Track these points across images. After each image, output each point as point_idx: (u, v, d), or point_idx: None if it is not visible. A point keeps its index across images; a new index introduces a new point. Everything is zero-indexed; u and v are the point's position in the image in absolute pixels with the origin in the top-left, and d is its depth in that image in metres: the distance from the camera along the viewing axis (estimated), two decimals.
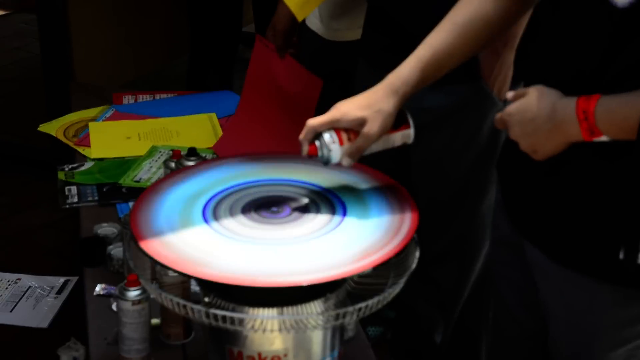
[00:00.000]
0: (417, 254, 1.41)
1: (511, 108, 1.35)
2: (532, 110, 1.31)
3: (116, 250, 1.88)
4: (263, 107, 2.42)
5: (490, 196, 1.90)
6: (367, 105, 1.44)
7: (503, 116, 1.37)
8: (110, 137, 2.45)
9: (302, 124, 2.30)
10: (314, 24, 2.32)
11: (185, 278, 1.38)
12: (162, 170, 2.08)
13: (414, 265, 1.39)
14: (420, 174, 1.91)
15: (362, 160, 2.08)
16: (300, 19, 2.04)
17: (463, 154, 1.87)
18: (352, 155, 1.44)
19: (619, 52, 1.23)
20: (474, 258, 2.03)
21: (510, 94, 1.38)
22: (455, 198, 1.91)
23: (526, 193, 1.44)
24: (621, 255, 1.23)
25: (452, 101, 1.81)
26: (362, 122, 1.43)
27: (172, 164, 1.81)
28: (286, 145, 2.27)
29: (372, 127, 1.42)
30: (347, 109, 1.44)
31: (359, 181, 1.52)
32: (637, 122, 1.19)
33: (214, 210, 1.42)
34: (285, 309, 1.32)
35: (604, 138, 1.25)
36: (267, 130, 2.38)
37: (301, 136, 1.45)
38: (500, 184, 1.56)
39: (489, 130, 1.83)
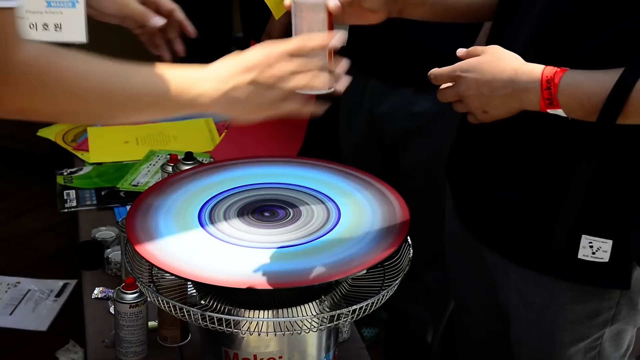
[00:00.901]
0: (410, 255, 1.43)
1: (466, 64, 1.32)
2: (490, 71, 1.29)
3: (114, 253, 1.89)
4: None
5: None
6: None
7: (454, 72, 1.33)
8: (108, 141, 2.47)
9: (295, 129, 2.34)
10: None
11: (182, 281, 1.40)
12: (159, 175, 2.10)
13: (407, 267, 1.41)
14: (409, 179, 1.93)
15: (355, 165, 2.11)
16: (277, 17, 2.07)
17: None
18: None
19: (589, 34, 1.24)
20: None
21: (462, 51, 1.35)
22: (443, 202, 1.94)
23: (477, 196, 1.46)
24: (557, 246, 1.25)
25: (440, 106, 1.83)
26: None
27: (169, 168, 1.83)
28: (281, 151, 2.29)
29: None
30: None
31: (352, 184, 1.53)
32: (599, 101, 1.18)
33: (209, 214, 1.44)
34: (280, 311, 1.34)
35: (559, 112, 1.23)
36: (262, 136, 2.40)
37: None
38: (451, 189, 1.57)
39: None
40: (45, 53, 1.03)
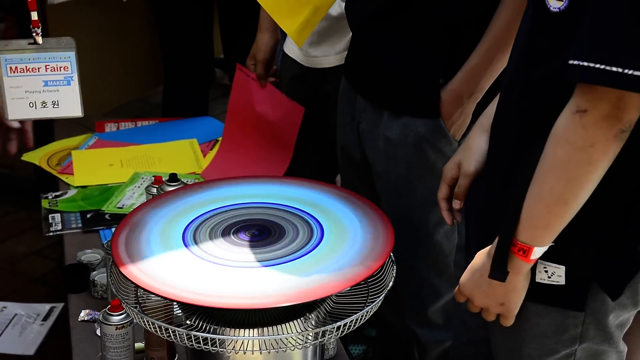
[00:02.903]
0: (394, 272, 1.45)
1: (463, 282, 1.40)
2: (477, 269, 1.36)
3: (100, 276, 1.90)
4: (246, 134, 2.46)
5: (447, 227, 1.93)
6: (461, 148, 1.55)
7: (464, 292, 1.41)
8: (93, 164, 2.48)
9: (284, 149, 2.36)
10: (292, 51, 2.37)
11: (167, 302, 1.41)
12: (144, 196, 2.11)
13: (391, 283, 1.42)
14: (384, 199, 1.95)
15: (348, 176, 2.12)
16: (299, 45, 2.11)
17: (419, 186, 1.91)
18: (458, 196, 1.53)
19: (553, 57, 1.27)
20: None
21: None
22: (415, 226, 1.96)
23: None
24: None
25: (408, 133, 1.85)
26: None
27: (154, 190, 1.84)
28: (270, 171, 2.31)
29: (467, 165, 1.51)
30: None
31: (336, 203, 1.55)
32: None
33: (193, 234, 1.45)
34: (265, 329, 1.35)
35: (539, 250, 1.27)
36: (251, 158, 2.42)
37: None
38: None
39: (444, 165, 1.87)
40: None
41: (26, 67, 1.38)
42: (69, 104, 1.43)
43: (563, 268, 1.31)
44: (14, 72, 1.38)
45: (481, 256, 1.35)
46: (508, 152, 1.35)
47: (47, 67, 1.38)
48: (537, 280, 1.32)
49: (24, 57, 1.35)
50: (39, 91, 1.41)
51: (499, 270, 1.29)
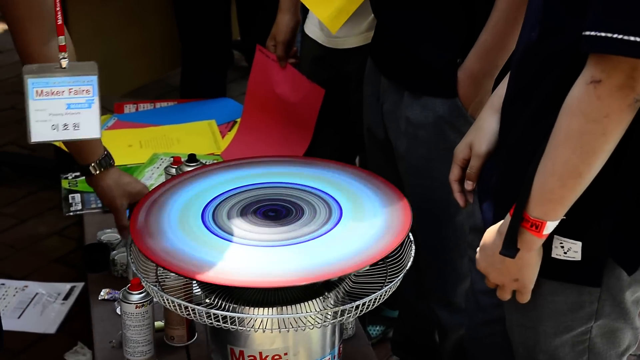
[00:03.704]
0: (413, 252, 1.45)
1: (478, 260, 1.40)
2: (488, 247, 1.36)
3: (120, 255, 1.91)
4: (266, 116, 2.47)
5: (469, 208, 1.93)
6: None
7: (480, 269, 1.41)
8: (112, 145, 2.46)
9: (304, 131, 2.36)
10: (314, 32, 2.36)
11: (187, 280, 1.42)
12: (163, 177, 2.12)
13: (409, 263, 1.43)
14: (406, 180, 1.95)
15: (373, 156, 2.12)
16: (334, 32, 2.11)
17: (440, 166, 1.90)
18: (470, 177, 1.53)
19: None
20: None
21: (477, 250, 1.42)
22: (437, 206, 1.96)
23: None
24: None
25: (427, 114, 1.85)
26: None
27: (173, 170, 1.85)
28: (290, 152, 2.31)
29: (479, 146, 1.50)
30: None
31: (354, 182, 1.55)
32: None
33: (213, 213, 1.46)
34: (284, 308, 1.35)
35: (552, 224, 1.27)
36: (270, 139, 2.42)
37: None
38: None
39: None
40: None
41: (52, 90, 1.40)
42: (88, 125, 1.44)
43: (579, 244, 1.30)
44: (40, 96, 1.40)
45: (491, 233, 1.35)
46: (521, 129, 1.35)
47: (71, 90, 1.40)
48: (552, 256, 1.32)
49: (50, 80, 1.38)
50: (61, 114, 1.42)
51: (509, 247, 1.29)
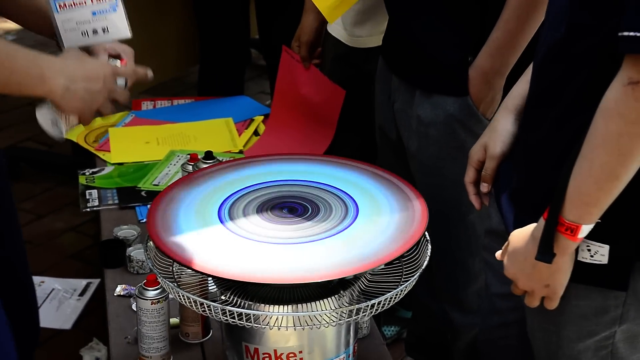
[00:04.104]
0: (429, 251, 1.44)
1: (506, 265, 1.37)
2: (519, 252, 1.33)
3: (136, 251, 1.92)
4: (291, 116, 2.48)
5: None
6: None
7: (508, 275, 1.38)
8: (129, 142, 2.50)
9: (326, 131, 2.37)
10: (337, 31, 2.36)
11: (203, 277, 1.42)
12: (179, 174, 2.12)
13: (425, 263, 1.42)
14: (417, 179, 1.95)
15: (385, 155, 2.12)
16: (331, 22, 2.09)
17: (451, 166, 1.90)
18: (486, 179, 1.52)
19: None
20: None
21: (497, 254, 1.40)
22: (448, 206, 1.95)
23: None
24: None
25: (438, 112, 1.84)
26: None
27: (190, 167, 1.85)
28: (311, 152, 2.32)
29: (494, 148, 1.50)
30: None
31: (371, 181, 1.55)
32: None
33: (229, 210, 1.46)
34: (299, 306, 1.35)
35: (587, 228, 1.25)
36: (295, 138, 2.43)
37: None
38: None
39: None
40: None
41: (72, 2, 1.55)
42: (117, 28, 1.61)
43: (607, 247, 1.29)
44: (63, 8, 1.55)
45: (521, 238, 1.33)
46: (546, 131, 1.34)
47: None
48: (578, 259, 1.30)
49: None
50: (88, 21, 1.58)
51: (545, 252, 1.27)
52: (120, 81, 1.58)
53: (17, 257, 1.82)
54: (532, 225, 1.31)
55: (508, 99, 1.53)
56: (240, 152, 2.45)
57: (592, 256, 1.30)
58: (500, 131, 1.49)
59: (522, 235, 1.33)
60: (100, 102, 1.52)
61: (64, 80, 1.44)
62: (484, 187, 1.52)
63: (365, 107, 2.34)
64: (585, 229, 1.24)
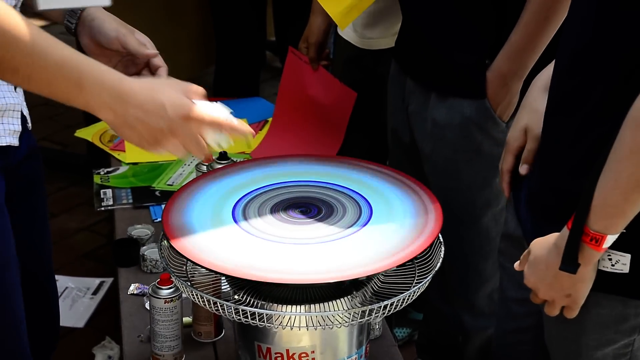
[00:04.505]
0: (442, 253, 1.45)
1: (526, 275, 1.36)
2: (541, 261, 1.31)
3: (150, 251, 1.93)
4: (297, 117, 2.47)
5: (494, 210, 1.92)
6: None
7: (528, 284, 1.37)
8: None
9: (335, 133, 2.37)
10: (347, 33, 2.37)
11: (216, 276, 1.42)
12: (194, 174, 2.13)
13: (439, 264, 1.42)
14: (432, 181, 1.95)
15: (398, 158, 2.12)
16: (342, 28, 2.09)
17: (466, 168, 1.90)
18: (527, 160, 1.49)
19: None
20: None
21: (517, 265, 1.39)
22: (462, 209, 1.95)
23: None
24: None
25: (454, 115, 1.84)
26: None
27: (204, 168, 1.86)
28: (321, 150, 2.32)
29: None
30: None
31: (384, 182, 1.55)
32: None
33: (243, 210, 1.46)
34: (312, 306, 1.35)
35: (611, 238, 1.24)
36: (301, 140, 2.43)
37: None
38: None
39: (492, 147, 1.85)
40: None
41: None
42: None
43: (629, 256, 1.28)
44: None
45: (543, 247, 1.32)
46: (569, 138, 1.33)
47: None
48: (599, 268, 1.30)
49: None
50: None
51: (570, 262, 1.25)
52: (221, 137, 1.30)
53: (44, 265, 1.78)
54: (554, 235, 1.30)
55: (538, 79, 1.50)
56: None
57: (613, 265, 1.29)
58: (540, 110, 1.45)
59: (544, 244, 1.32)
60: (167, 143, 1.24)
61: (108, 98, 1.18)
62: (523, 169, 1.48)
63: (375, 110, 2.34)
64: (610, 239, 1.23)
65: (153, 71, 1.46)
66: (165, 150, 1.26)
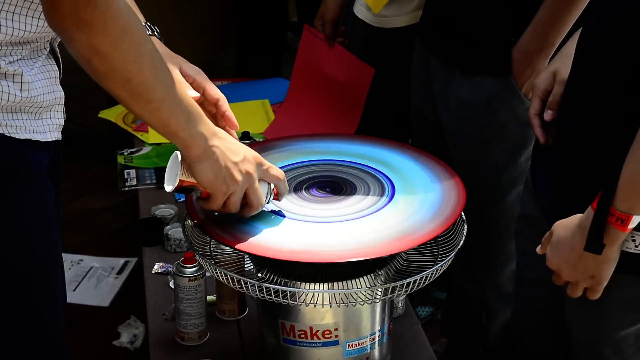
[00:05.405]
0: (465, 231, 1.45)
1: (549, 256, 1.35)
2: (564, 242, 1.31)
3: (173, 230, 1.94)
4: (312, 94, 2.47)
5: (519, 189, 1.91)
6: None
7: (551, 266, 1.36)
8: None
9: (353, 110, 2.36)
10: (362, 12, 2.36)
11: (239, 255, 1.43)
12: None
13: (461, 242, 1.42)
14: (456, 160, 1.94)
15: (421, 137, 2.12)
16: (376, 12, 2.09)
17: (491, 146, 1.89)
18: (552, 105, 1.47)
19: None
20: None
21: (538, 249, 1.38)
22: (486, 187, 1.94)
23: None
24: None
25: (479, 93, 1.84)
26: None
27: None
28: (338, 128, 2.32)
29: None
30: None
31: (407, 161, 1.55)
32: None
33: None
34: (335, 284, 1.36)
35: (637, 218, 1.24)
36: (315, 117, 2.43)
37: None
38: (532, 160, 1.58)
39: (517, 126, 1.84)
40: (128, 9, 1.12)
41: None
42: None
43: None
44: None
45: (566, 228, 1.31)
46: (587, 118, 1.32)
47: None
48: (623, 249, 1.29)
49: None
50: None
51: (595, 242, 1.25)
52: (264, 188, 1.35)
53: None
54: (578, 216, 1.29)
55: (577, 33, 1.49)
56: None
57: (637, 246, 1.29)
58: (571, 56, 1.43)
59: (567, 226, 1.31)
60: (235, 184, 1.29)
61: (206, 131, 1.25)
62: (548, 115, 1.47)
63: (393, 88, 2.33)
64: (635, 220, 1.22)
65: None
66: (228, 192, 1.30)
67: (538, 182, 1.50)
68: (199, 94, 1.44)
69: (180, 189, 1.29)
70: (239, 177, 1.29)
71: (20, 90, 1.18)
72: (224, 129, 1.41)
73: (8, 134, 1.17)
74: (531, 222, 1.54)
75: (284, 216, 1.40)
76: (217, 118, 1.47)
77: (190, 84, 1.42)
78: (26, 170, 1.21)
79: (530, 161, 1.86)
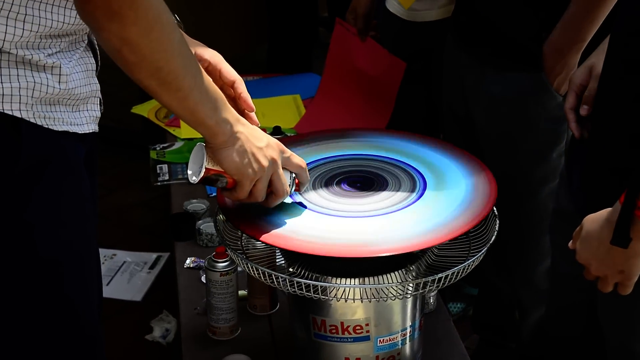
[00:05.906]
0: (497, 227, 1.44)
1: (578, 251, 1.34)
2: (593, 237, 1.29)
3: (205, 225, 1.95)
4: (343, 89, 2.46)
5: (552, 186, 1.90)
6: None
7: (580, 261, 1.35)
8: None
9: (384, 105, 2.36)
10: (394, 6, 2.35)
11: (270, 250, 1.44)
12: None
13: (493, 238, 1.41)
14: (488, 155, 1.93)
15: (452, 131, 2.11)
16: (406, 7, 2.08)
17: (522, 142, 1.88)
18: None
19: None
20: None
21: (569, 243, 1.37)
22: (518, 183, 1.93)
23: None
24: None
25: (511, 89, 1.82)
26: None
27: None
28: (369, 122, 2.31)
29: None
30: None
31: (438, 155, 1.54)
32: None
33: None
34: (367, 279, 1.36)
35: None
36: (347, 111, 2.42)
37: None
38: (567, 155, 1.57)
39: (548, 122, 1.83)
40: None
41: None
42: None
43: None
44: None
45: (595, 222, 1.30)
46: (621, 109, 1.31)
47: None
48: None
49: None
50: None
51: (621, 236, 1.23)
52: (287, 176, 1.35)
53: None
54: (607, 210, 1.27)
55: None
56: None
57: None
58: None
59: (596, 220, 1.30)
60: (261, 169, 1.29)
61: (231, 117, 1.26)
62: (584, 110, 1.46)
63: (425, 82, 2.32)
64: None
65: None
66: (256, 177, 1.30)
67: (573, 177, 1.48)
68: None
69: (206, 179, 1.28)
70: (264, 162, 1.29)
71: (59, 82, 1.18)
72: (242, 113, 1.40)
73: (46, 126, 1.18)
74: (565, 217, 1.53)
75: (305, 207, 1.40)
76: (235, 101, 1.46)
77: (205, 68, 1.40)
78: (63, 162, 1.21)
79: (563, 157, 1.84)
